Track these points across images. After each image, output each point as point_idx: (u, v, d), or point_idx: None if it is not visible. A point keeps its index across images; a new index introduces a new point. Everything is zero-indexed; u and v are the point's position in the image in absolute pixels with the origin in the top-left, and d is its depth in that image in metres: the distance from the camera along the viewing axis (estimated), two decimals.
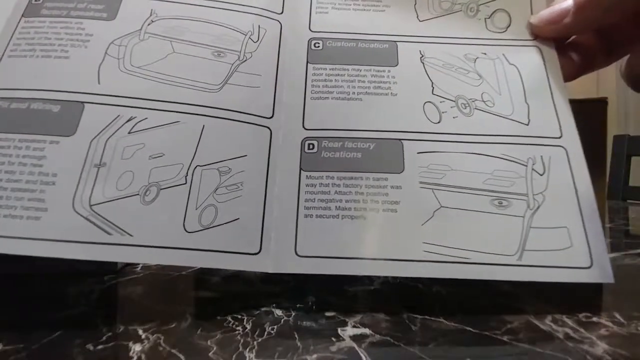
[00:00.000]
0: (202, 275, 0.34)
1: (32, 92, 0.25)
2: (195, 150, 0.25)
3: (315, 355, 0.18)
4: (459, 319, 0.22)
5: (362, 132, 0.27)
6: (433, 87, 0.29)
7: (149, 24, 0.28)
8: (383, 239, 0.25)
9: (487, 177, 0.26)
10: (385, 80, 0.29)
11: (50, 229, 0.22)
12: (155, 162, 0.24)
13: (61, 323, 0.22)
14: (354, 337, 0.20)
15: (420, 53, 0.30)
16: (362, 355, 0.19)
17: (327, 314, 0.23)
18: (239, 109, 0.27)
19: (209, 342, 0.20)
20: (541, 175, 0.26)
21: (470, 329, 0.21)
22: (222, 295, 0.27)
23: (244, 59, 0.28)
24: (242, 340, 0.20)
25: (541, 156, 0.27)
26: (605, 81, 2.12)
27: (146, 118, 0.25)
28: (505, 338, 0.20)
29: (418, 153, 0.27)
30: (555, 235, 0.25)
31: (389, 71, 0.30)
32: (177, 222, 0.23)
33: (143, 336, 0.20)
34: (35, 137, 0.23)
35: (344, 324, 0.22)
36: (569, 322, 0.22)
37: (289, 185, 0.26)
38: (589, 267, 0.24)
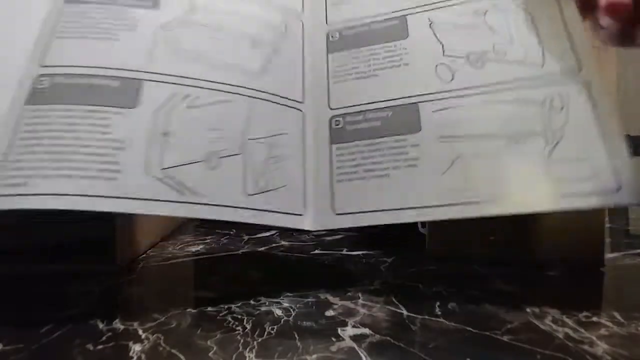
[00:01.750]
0: (202, 275, 0.34)
1: (89, 69, 0.27)
2: (244, 126, 0.28)
3: (315, 355, 0.18)
4: (459, 319, 0.22)
5: (380, 103, 0.30)
6: (443, 50, 0.30)
7: (189, 14, 0.31)
8: (406, 190, 0.27)
9: (502, 122, 0.27)
10: (398, 53, 0.31)
11: (127, 188, 0.24)
12: (213, 134, 0.27)
13: (61, 323, 0.22)
14: (354, 337, 0.20)
15: (429, 20, 0.32)
16: (362, 355, 0.19)
17: (327, 314, 0.23)
18: (276, 93, 0.30)
19: (209, 342, 0.20)
20: (560, 111, 0.27)
21: (470, 329, 0.21)
22: (222, 295, 0.27)
23: (277, 51, 0.32)
24: (242, 340, 0.20)
25: (559, 93, 0.27)
26: (605, 81, 2.12)
27: (199, 96, 0.28)
28: (505, 338, 0.20)
29: (433, 112, 0.29)
30: (578, 167, 0.25)
31: (400, 44, 0.32)
32: (238, 185, 0.27)
33: (143, 336, 0.20)
34: (100, 108, 0.26)
35: (344, 324, 0.22)
36: (569, 322, 0.22)
37: (323, 157, 0.30)
38: (617, 191, 0.24)
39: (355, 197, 0.28)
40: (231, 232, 0.48)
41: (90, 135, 0.25)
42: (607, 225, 0.54)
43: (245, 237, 0.45)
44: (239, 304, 0.25)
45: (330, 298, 0.26)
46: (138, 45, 0.28)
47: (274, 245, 0.41)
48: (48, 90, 0.26)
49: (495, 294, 0.26)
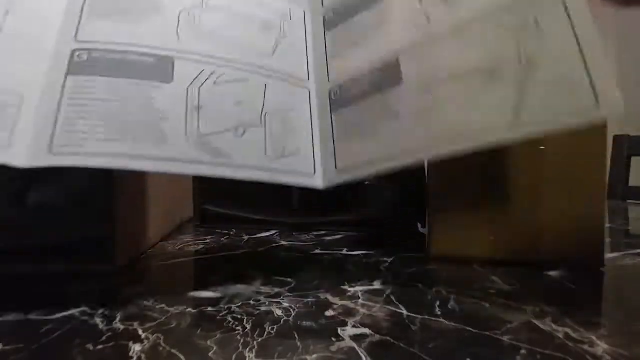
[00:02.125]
0: (202, 275, 0.34)
1: (123, 46, 0.28)
2: (263, 102, 0.32)
3: (315, 355, 0.18)
4: (459, 319, 0.22)
5: (365, 69, 0.33)
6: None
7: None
8: (394, 141, 0.30)
9: (478, 56, 0.27)
10: (379, 18, 0.33)
11: (172, 153, 0.27)
12: (237, 108, 0.31)
13: (61, 323, 0.22)
14: (354, 337, 0.20)
15: None
16: (362, 355, 0.19)
17: (327, 314, 0.23)
18: (286, 73, 0.34)
19: (209, 342, 0.20)
20: (535, 33, 0.26)
21: (470, 329, 0.21)
22: (222, 295, 0.27)
23: (284, 36, 0.35)
24: (242, 340, 0.20)
25: (535, 16, 0.26)
26: None
27: (224, 74, 0.31)
28: (505, 338, 0.20)
29: (411, 62, 0.30)
30: (556, 87, 0.25)
31: (379, 7, 0.34)
32: (261, 151, 0.30)
33: (143, 336, 0.20)
34: (140, 81, 0.28)
35: (344, 324, 0.22)
36: (569, 322, 0.22)
37: (326, 125, 0.34)
38: (595, 106, 0.23)
39: (353, 154, 0.32)
40: (231, 232, 0.48)
41: (136, 104, 0.27)
42: (607, 225, 0.54)
43: (245, 237, 0.45)
44: (239, 304, 0.25)
45: (330, 298, 0.26)
46: (166, 26, 0.31)
47: (274, 245, 0.41)
48: (87, 63, 0.27)
49: (495, 294, 0.26)
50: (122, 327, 0.21)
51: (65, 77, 0.26)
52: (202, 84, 0.30)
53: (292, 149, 0.32)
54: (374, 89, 0.32)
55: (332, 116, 0.34)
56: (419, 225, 0.49)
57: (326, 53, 0.36)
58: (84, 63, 0.27)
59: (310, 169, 0.33)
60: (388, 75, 0.31)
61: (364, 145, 0.31)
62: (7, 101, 0.25)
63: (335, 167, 0.32)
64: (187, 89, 0.29)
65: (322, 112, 0.34)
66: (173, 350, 0.19)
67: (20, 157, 0.24)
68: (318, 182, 0.32)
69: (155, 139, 0.27)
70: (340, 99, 0.34)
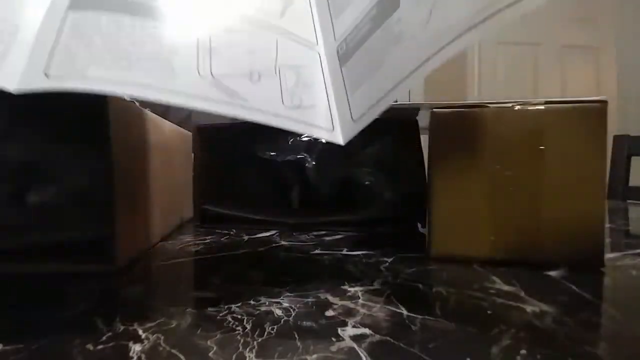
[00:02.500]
0: (202, 275, 0.34)
1: None
2: (276, 54, 0.32)
3: (315, 355, 0.18)
4: (459, 319, 0.22)
5: (365, 10, 0.33)
6: None
7: None
8: (402, 64, 0.29)
9: None
10: None
11: (182, 86, 0.26)
12: (251, 56, 0.30)
13: (61, 323, 0.22)
14: (354, 337, 0.20)
15: None
16: (362, 355, 0.19)
17: (327, 314, 0.23)
18: (297, 34, 0.34)
19: (209, 342, 0.20)
20: None
21: (470, 329, 0.21)
22: (222, 295, 0.27)
23: (292, 2, 0.35)
24: (242, 340, 0.20)
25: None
26: (606, 82, 2.12)
27: (234, 24, 0.31)
28: (505, 338, 0.20)
29: None
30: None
31: None
32: (277, 98, 0.30)
33: (143, 336, 0.20)
34: (145, 18, 0.27)
35: (344, 324, 0.22)
36: (569, 322, 0.22)
37: (338, 81, 0.33)
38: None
39: (365, 98, 0.31)
40: (231, 232, 0.48)
41: (143, 38, 0.26)
42: (607, 225, 0.54)
43: (245, 237, 0.45)
44: (239, 304, 0.25)
45: (330, 298, 0.26)
46: None
47: (274, 245, 0.41)
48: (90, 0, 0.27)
49: (495, 294, 0.26)
50: (122, 327, 0.21)
51: (67, 12, 0.26)
52: (214, 28, 0.29)
53: (307, 102, 0.31)
54: (374, 26, 0.32)
55: (342, 70, 0.33)
56: (419, 225, 0.49)
57: (330, 13, 0.36)
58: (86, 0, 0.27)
59: (329, 124, 0.32)
60: (386, 3, 0.31)
61: (373, 83, 0.31)
62: (1, 29, 0.24)
63: (352, 118, 0.31)
64: (197, 31, 0.29)
65: (333, 70, 0.34)
66: (173, 350, 0.19)
67: (12, 82, 0.22)
68: (338, 137, 0.31)
69: (166, 72, 0.26)
70: (346, 52, 0.34)
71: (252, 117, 0.28)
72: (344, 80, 0.33)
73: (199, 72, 0.27)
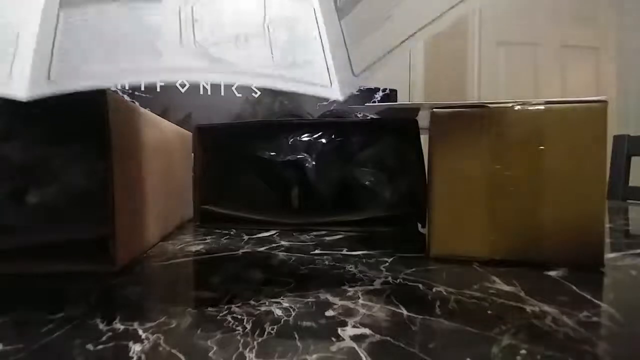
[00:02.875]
0: (202, 275, 0.34)
1: None
2: (264, 10, 0.31)
3: (315, 356, 0.18)
4: (459, 319, 0.22)
5: None
6: None
7: None
8: (408, 16, 0.30)
9: None
10: None
11: (169, 62, 0.27)
12: (238, 18, 0.30)
13: (61, 323, 0.22)
14: (354, 337, 0.20)
15: None
16: (362, 355, 0.19)
17: (327, 314, 0.23)
18: None
19: (209, 342, 0.20)
20: None
21: (470, 329, 0.21)
22: (222, 295, 0.27)
23: None
24: (242, 340, 0.20)
25: None
26: (606, 81, 2.12)
27: None
28: (505, 338, 0.20)
29: None
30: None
31: None
32: (268, 58, 0.29)
33: (143, 336, 0.20)
34: (129, 2, 0.28)
35: (344, 324, 0.22)
36: (569, 322, 0.22)
37: (337, 36, 0.32)
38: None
39: (369, 52, 0.30)
40: (231, 232, 0.48)
41: (129, 25, 0.27)
42: (607, 225, 0.54)
43: (245, 237, 0.45)
44: (239, 304, 0.25)
45: (330, 298, 0.26)
46: None
47: (274, 245, 0.41)
48: None
49: (495, 294, 0.26)
50: (122, 327, 0.21)
51: (58, 11, 0.27)
52: (197, 1, 0.29)
53: (301, 61, 0.31)
54: None
55: (341, 24, 0.33)
56: (419, 225, 0.49)
57: None
58: None
59: (326, 80, 0.31)
60: None
61: (377, 37, 0.30)
62: (5, 38, 0.25)
63: (353, 73, 0.31)
64: (179, 5, 0.29)
65: (330, 23, 0.33)
66: (173, 350, 0.19)
67: (21, 89, 0.24)
68: (336, 93, 0.30)
69: (151, 54, 0.27)
70: (346, 4, 0.33)
71: (237, 80, 0.28)
72: (343, 35, 0.32)
73: (182, 46, 0.28)
